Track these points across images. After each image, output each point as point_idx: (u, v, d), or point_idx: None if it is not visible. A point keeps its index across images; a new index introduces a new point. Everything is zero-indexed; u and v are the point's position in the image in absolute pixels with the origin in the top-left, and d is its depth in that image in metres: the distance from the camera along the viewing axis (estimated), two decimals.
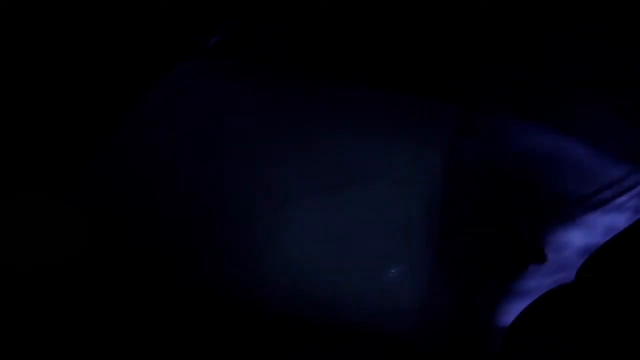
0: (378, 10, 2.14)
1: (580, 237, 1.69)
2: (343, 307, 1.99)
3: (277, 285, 2.02)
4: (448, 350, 1.84)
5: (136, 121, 2.19)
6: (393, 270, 1.91)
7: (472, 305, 1.81)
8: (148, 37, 2.22)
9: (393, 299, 1.93)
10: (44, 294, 2.15)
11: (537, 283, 1.71)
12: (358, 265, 1.97)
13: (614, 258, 1.75)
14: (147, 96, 2.17)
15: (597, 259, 1.73)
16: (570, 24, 1.88)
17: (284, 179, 2.04)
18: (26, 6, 2.18)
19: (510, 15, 2.01)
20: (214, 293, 2.06)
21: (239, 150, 2.11)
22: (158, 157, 2.20)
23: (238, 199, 2.11)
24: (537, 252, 1.64)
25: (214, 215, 2.15)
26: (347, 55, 2.14)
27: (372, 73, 2.13)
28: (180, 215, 2.18)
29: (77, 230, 2.20)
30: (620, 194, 1.65)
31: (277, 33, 2.21)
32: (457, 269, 1.80)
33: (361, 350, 1.90)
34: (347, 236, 1.97)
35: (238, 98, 2.13)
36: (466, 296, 1.82)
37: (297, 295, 2.01)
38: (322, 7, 2.17)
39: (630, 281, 1.77)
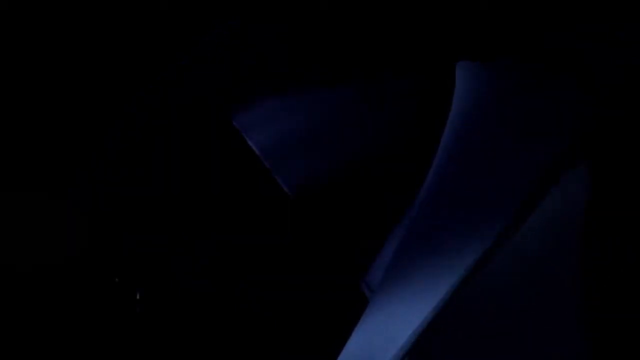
0: (377, 11, 2.14)
1: None
2: None
3: None
4: None
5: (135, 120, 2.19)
6: None
7: None
8: (147, 36, 2.22)
9: None
10: (44, 294, 2.15)
11: None
12: None
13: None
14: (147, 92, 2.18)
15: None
16: (571, 24, 1.89)
17: None
18: (27, 6, 2.18)
19: (510, 15, 2.01)
20: None
21: None
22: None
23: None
24: None
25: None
26: (348, 55, 2.14)
27: (372, 73, 2.14)
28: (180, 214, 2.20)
29: (77, 230, 2.20)
30: None
31: (277, 33, 2.21)
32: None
33: None
34: None
35: None
36: None
37: None
38: (322, 7, 2.17)
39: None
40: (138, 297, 2.17)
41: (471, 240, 1.55)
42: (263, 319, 2.15)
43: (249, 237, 2.19)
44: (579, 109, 1.57)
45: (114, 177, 2.22)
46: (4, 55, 2.20)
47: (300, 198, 2.10)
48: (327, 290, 2.12)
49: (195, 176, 2.23)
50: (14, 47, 2.20)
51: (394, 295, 1.63)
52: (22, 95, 2.22)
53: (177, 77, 2.23)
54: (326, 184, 2.09)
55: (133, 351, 2.15)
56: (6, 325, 2.12)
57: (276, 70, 2.20)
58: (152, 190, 2.22)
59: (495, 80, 1.76)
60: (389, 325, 1.59)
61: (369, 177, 2.08)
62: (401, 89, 2.10)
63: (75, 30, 2.21)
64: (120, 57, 2.22)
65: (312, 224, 2.13)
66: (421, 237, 1.67)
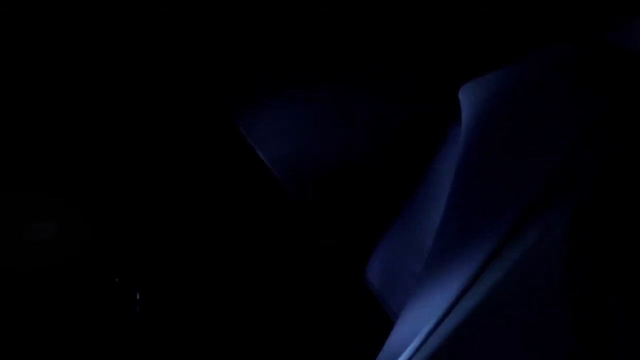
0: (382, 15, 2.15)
1: None
2: None
3: None
4: None
5: None
6: None
7: None
8: (147, 36, 2.22)
9: None
10: (44, 294, 2.15)
11: None
12: None
13: None
14: None
15: None
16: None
17: None
18: (27, 6, 2.19)
19: (508, 19, 2.02)
20: None
21: None
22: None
23: None
24: None
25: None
26: (348, 56, 2.15)
27: (371, 74, 2.14)
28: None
29: (77, 230, 2.21)
30: None
31: (278, 33, 2.22)
32: None
33: None
34: None
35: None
36: None
37: None
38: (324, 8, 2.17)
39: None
40: (138, 297, 2.17)
41: (486, 240, 1.57)
42: (263, 319, 2.15)
43: (249, 237, 2.20)
44: (582, 111, 1.58)
45: (114, 178, 2.23)
46: (4, 55, 2.20)
47: (299, 196, 2.11)
48: (327, 287, 2.13)
49: (195, 176, 2.23)
50: (14, 47, 2.20)
51: (425, 294, 1.65)
52: (22, 95, 2.22)
53: (177, 77, 2.23)
54: (325, 180, 2.10)
55: (133, 351, 2.15)
56: (6, 326, 2.12)
57: (277, 70, 2.20)
58: (153, 190, 2.23)
59: (499, 89, 1.77)
60: (414, 324, 1.61)
61: (367, 173, 2.09)
62: (400, 90, 2.11)
63: (75, 30, 2.21)
64: (120, 57, 2.22)
65: (312, 220, 2.14)
66: (450, 240, 1.68)
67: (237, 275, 2.18)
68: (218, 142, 2.21)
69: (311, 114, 2.14)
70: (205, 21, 2.21)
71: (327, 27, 2.16)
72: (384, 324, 1.67)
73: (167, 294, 2.18)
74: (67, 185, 2.21)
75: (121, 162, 2.22)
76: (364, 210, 2.10)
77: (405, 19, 2.11)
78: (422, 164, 1.96)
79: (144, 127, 2.23)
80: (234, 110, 2.17)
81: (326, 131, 2.11)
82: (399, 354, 1.52)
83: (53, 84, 2.21)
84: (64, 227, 2.19)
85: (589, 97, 1.59)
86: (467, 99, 1.80)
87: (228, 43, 2.21)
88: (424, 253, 1.68)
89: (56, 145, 2.22)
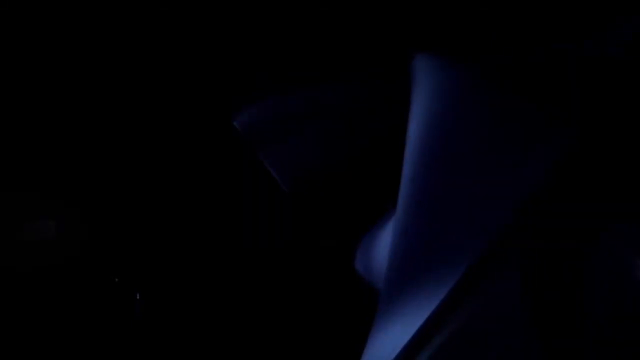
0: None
1: None
2: None
3: None
4: None
5: None
6: None
7: None
8: (147, 36, 2.22)
9: None
10: (44, 294, 2.15)
11: None
12: None
13: None
14: None
15: None
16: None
17: None
18: (27, 6, 2.19)
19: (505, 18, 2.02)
20: None
21: None
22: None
23: None
24: None
25: None
26: (350, 57, 2.15)
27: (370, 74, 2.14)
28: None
29: (77, 230, 2.21)
30: None
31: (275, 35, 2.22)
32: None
33: None
34: None
35: None
36: None
37: None
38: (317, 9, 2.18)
39: None
40: (138, 297, 2.17)
41: (456, 256, 1.54)
42: (262, 319, 2.15)
43: (249, 237, 2.20)
44: (551, 146, 1.56)
45: (113, 178, 2.23)
46: (4, 55, 2.20)
47: (299, 196, 2.11)
48: (327, 287, 2.13)
49: (194, 176, 2.23)
50: (14, 47, 2.20)
51: (393, 309, 1.64)
52: (22, 95, 2.22)
53: (177, 77, 2.23)
54: (325, 180, 2.10)
55: (133, 351, 2.15)
56: (6, 325, 2.12)
57: (277, 70, 2.20)
58: (152, 191, 2.23)
59: (476, 81, 1.74)
60: (390, 336, 1.60)
61: (368, 173, 2.08)
62: (400, 90, 2.11)
63: (75, 30, 2.21)
64: (121, 57, 2.22)
65: (312, 220, 2.14)
66: (410, 251, 1.66)
67: (236, 275, 2.18)
68: (218, 143, 2.21)
69: (311, 114, 2.14)
70: (205, 21, 2.21)
71: (327, 27, 2.16)
72: None
73: (167, 294, 2.18)
74: (67, 185, 2.21)
75: (121, 163, 2.23)
76: (364, 210, 2.09)
77: (405, 19, 2.11)
78: None
79: (144, 127, 2.23)
80: (234, 110, 2.17)
81: (326, 131, 2.11)
82: None
83: (53, 84, 2.22)
84: (64, 227, 2.19)
85: (559, 127, 1.55)
86: (424, 79, 1.76)
87: (228, 43, 2.21)
88: None
89: (56, 145, 2.22)
